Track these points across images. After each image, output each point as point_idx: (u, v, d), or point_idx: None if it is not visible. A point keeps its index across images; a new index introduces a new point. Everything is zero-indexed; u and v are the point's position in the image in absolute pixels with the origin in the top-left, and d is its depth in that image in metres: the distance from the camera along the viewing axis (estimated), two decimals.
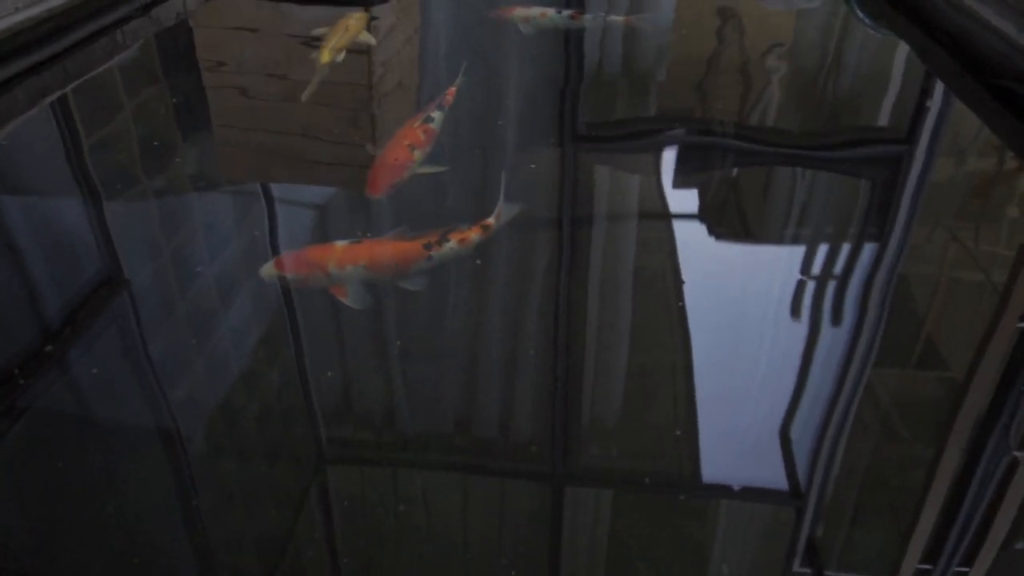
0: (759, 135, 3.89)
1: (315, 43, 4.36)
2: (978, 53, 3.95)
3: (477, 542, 1.94)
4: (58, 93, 3.86)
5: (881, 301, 2.70)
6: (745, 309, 2.65)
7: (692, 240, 3.02)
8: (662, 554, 1.88)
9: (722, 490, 2.04)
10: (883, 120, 4.11)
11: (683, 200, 3.29)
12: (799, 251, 3.03)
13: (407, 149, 3.26)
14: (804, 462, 2.12)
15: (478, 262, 2.78)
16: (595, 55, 4.79)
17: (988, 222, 3.23)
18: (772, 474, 2.10)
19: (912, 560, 1.89)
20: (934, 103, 3.98)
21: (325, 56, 4.17)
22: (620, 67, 4.72)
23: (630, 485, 2.07)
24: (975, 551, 1.92)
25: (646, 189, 3.45)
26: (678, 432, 2.18)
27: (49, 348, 2.42)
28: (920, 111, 3.98)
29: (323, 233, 3.11)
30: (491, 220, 2.83)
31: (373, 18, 4.84)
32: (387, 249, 2.75)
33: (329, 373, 2.41)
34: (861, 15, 5.21)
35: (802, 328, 2.59)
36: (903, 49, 4.67)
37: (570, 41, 4.84)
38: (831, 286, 2.78)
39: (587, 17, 5.00)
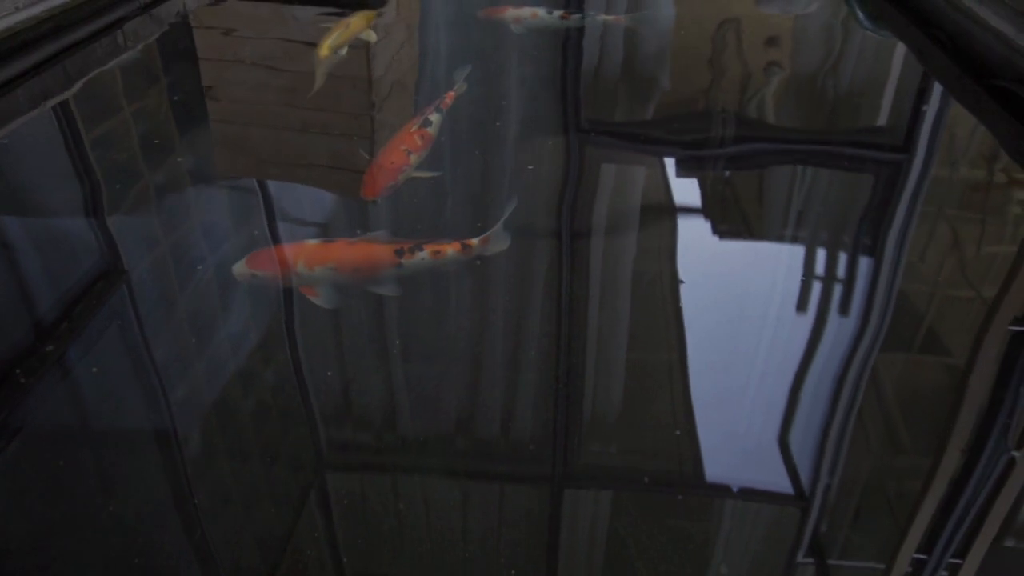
0: (758, 134, 3.89)
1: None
2: (977, 54, 3.96)
3: (476, 543, 1.94)
4: (58, 93, 3.86)
5: (880, 301, 2.70)
6: (745, 308, 2.66)
7: (692, 240, 3.02)
8: (662, 555, 1.88)
9: (722, 490, 2.05)
10: (881, 121, 4.11)
11: (683, 200, 3.30)
12: (799, 250, 3.04)
13: (403, 153, 3.26)
14: (803, 461, 2.13)
15: (478, 262, 2.79)
16: (593, 55, 4.79)
17: (987, 222, 3.24)
18: (771, 473, 2.10)
19: (908, 551, 1.90)
20: (932, 104, 3.99)
21: (323, 51, 4.23)
22: (618, 69, 4.72)
23: (630, 486, 2.08)
24: (969, 544, 1.93)
25: (646, 189, 3.46)
26: (678, 432, 2.19)
27: (49, 347, 2.43)
28: (918, 112, 3.98)
29: (318, 233, 3.11)
30: (474, 241, 2.76)
31: (377, 16, 4.87)
32: (357, 252, 2.73)
33: (328, 373, 2.41)
34: (861, 16, 5.22)
35: (802, 327, 2.59)
36: (902, 50, 4.67)
37: (569, 41, 4.85)
38: (831, 286, 2.79)
39: (576, 16, 5.02)
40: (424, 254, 2.68)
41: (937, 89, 4.16)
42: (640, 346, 2.51)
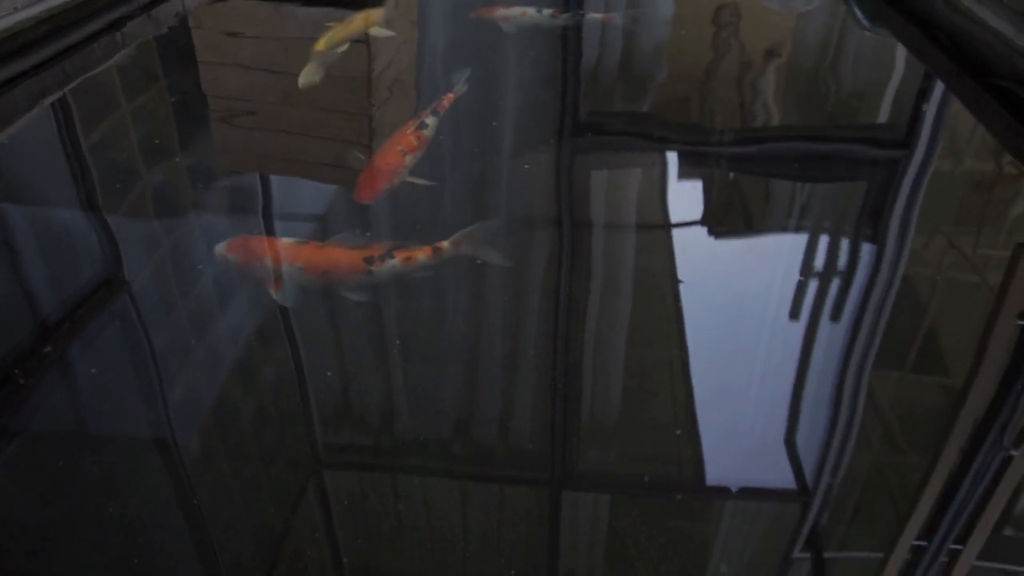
0: (756, 134, 3.89)
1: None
2: (976, 53, 3.96)
3: (475, 544, 1.94)
4: (57, 93, 3.86)
5: (880, 301, 2.70)
6: (744, 309, 2.66)
7: (691, 240, 3.02)
8: (662, 555, 1.88)
9: (722, 489, 2.05)
10: (881, 120, 4.11)
11: (682, 201, 3.30)
12: (798, 251, 3.04)
13: (399, 154, 3.26)
14: (804, 459, 2.13)
15: (478, 262, 2.79)
16: (591, 55, 4.79)
17: (986, 222, 3.24)
18: (771, 471, 2.10)
19: (906, 541, 1.91)
20: (932, 103, 3.99)
21: (320, 45, 4.29)
22: (617, 68, 4.72)
23: (630, 486, 2.08)
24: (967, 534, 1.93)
25: (644, 188, 3.46)
26: (678, 432, 2.19)
27: (48, 348, 2.43)
28: (918, 112, 3.98)
29: (313, 230, 3.10)
30: (444, 244, 2.71)
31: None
32: (327, 256, 2.70)
33: (327, 373, 2.42)
34: (859, 16, 5.22)
35: (800, 327, 2.59)
36: (901, 50, 4.67)
37: (568, 39, 4.85)
38: (830, 286, 2.79)
39: (567, 16, 5.02)
40: (395, 261, 2.64)
41: (937, 88, 4.16)
42: (639, 345, 2.51)
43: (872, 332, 2.57)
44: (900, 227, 3.08)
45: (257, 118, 3.94)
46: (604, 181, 3.53)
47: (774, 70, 4.61)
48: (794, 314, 2.64)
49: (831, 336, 2.57)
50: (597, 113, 4.19)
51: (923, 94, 4.15)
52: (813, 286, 2.77)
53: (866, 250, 2.99)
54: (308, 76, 4.05)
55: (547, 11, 4.93)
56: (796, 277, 2.81)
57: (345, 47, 4.41)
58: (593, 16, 5.10)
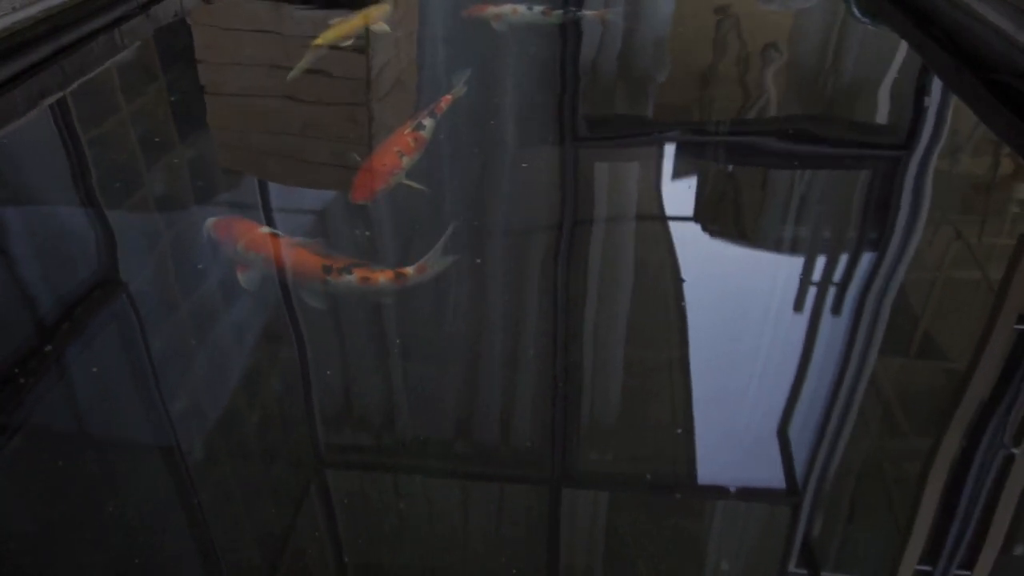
0: (756, 130, 3.89)
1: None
2: (975, 49, 3.96)
3: (475, 542, 1.94)
4: (56, 93, 3.86)
5: (879, 298, 2.70)
6: (743, 307, 2.65)
7: (690, 238, 3.02)
8: (662, 554, 1.88)
9: (722, 489, 2.05)
10: (880, 116, 4.11)
11: (680, 198, 3.29)
12: (798, 249, 3.04)
13: (396, 155, 3.25)
14: (802, 461, 2.13)
15: (478, 261, 2.79)
16: (590, 52, 4.79)
17: (987, 217, 3.24)
18: (770, 473, 2.10)
19: (911, 561, 1.90)
20: (931, 99, 3.99)
21: (319, 40, 4.34)
22: (616, 66, 4.72)
23: (629, 485, 2.08)
24: (975, 552, 1.92)
25: (643, 186, 3.46)
26: (678, 431, 2.19)
27: (48, 347, 2.43)
28: (918, 107, 3.98)
29: (306, 230, 3.11)
30: (408, 270, 2.63)
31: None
32: (291, 254, 2.72)
33: (327, 372, 2.41)
34: (858, 12, 5.22)
35: (800, 325, 2.59)
36: (901, 46, 4.67)
37: (567, 36, 4.85)
38: (829, 283, 2.78)
39: (558, 13, 5.02)
40: (352, 278, 2.60)
41: (936, 84, 4.16)
42: (639, 344, 2.51)
43: (872, 329, 2.56)
44: (900, 223, 3.08)
45: (257, 117, 3.94)
46: (603, 177, 3.53)
47: (772, 67, 4.61)
48: (795, 311, 2.64)
49: (831, 333, 2.56)
50: (595, 108, 4.18)
51: (922, 90, 4.14)
52: (812, 284, 2.76)
53: (866, 247, 2.99)
54: (297, 69, 4.13)
55: (538, 9, 4.91)
56: (796, 274, 2.81)
57: (349, 42, 4.42)
58: (585, 14, 5.09)
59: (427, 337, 2.55)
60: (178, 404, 2.28)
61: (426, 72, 4.64)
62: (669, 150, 3.74)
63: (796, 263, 2.91)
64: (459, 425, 2.26)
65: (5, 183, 3.30)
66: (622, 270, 2.89)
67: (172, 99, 4.08)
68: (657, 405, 2.31)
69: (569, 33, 4.89)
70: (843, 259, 2.91)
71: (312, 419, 2.27)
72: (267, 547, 1.91)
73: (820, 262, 2.89)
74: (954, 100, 3.97)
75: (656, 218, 3.21)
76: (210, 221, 2.87)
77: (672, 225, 3.11)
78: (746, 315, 2.61)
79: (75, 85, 3.96)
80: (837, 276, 2.82)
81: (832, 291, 2.74)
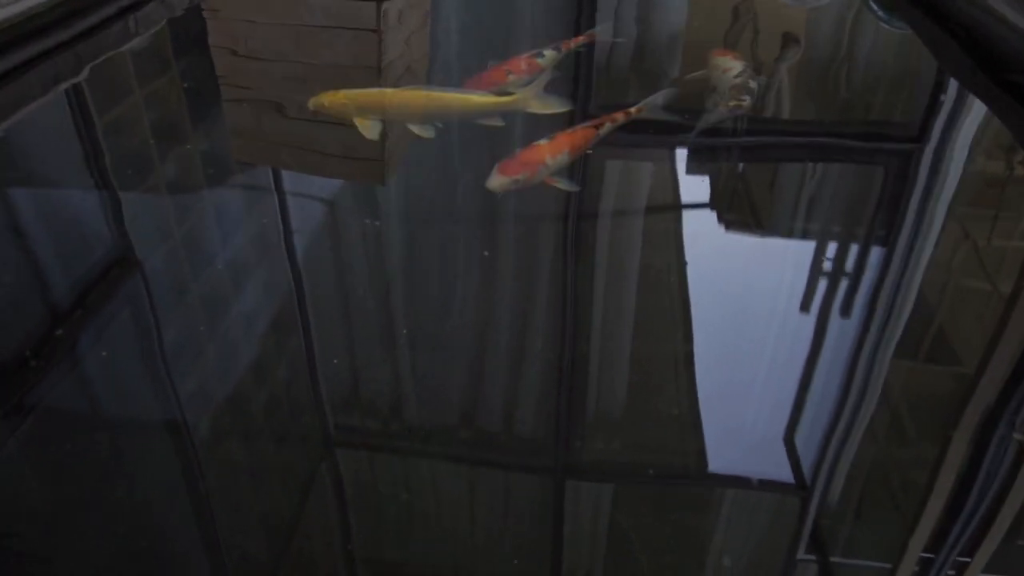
0: (770, 127, 3.87)
1: None
2: (992, 48, 3.92)
3: (478, 531, 1.95)
4: (71, 78, 3.87)
5: (891, 294, 2.69)
6: (752, 302, 2.65)
7: (700, 232, 3.01)
8: (666, 546, 1.88)
9: (727, 482, 2.05)
10: (895, 114, 4.09)
11: (692, 191, 3.29)
12: (809, 245, 3.03)
13: (504, 73, 3.26)
14: (809, 453, 2.12)
15: (485, 253, 2.79)
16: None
17: (1001, 216, 3.22)
18: (776, 466, 2.10)
19: (915, 549, 1.90)
20: (947, 98, 3.96)
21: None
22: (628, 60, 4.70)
23: (634, 476, 2.08)
24: (978, 541, 1.92)
25: (656, 178, 3.45)
26: (684, 425, 2.19)
27: (60, 331, 2.44)
28: (933, 105, 3.95)
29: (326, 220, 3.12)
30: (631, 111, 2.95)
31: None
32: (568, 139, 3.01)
33: (334, 361, 2.42)
34: (875, 8, 5.18)
35: (809, 320, 2.58)
36: (916, 43, 4.64)
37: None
38: (840, 280, 2.78)
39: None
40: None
41: (951, 82, 4.13)
42: (646, 338, 2.50)
43: (883, 325, 2.55)
44: (912, 221, 3.06)
45: (271, 105, 3.95)
46: (614, 169, 3.52)
47: (788, 64, 4.58)
48: (804, 307, 2.63)
49: (840, 328, 2.56)
50: (608, 99, 4.16)
51: (938, 88, 4.11)
52: (823, 279, 2.75)
53: (878, 245, 2.98)
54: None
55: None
56: (806, 269, 2.80)
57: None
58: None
59: (433, 326, 2.56)
60: (188, 386, 2.29)
61: (439, 58, 4.63)
62: (682, 142, 3.73)
63: (806, 258, 2.90)
64: (464, 415, 2.27)
65: (18, 165, 3.32)
66: (630, 262, 2.88)
67: (185, 85, 4.09)
68: (664, 396, 2.30)
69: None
70: (853, 256, 2.90)
71: (320, 404, 2.28)
72: (272, 534, 1.93)
73: (830, 258, 2.88)
74: (970, 99, 3.94)
75: (669, 209, 3.21)
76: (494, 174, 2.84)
77: (683, 216, 3.11)
78: (758, 310, 2.60)
79: (89, 70, 3.97)
80: (848, 272, 2.81)
81: (842, 287, 2.73)
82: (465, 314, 2.61)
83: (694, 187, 3.31)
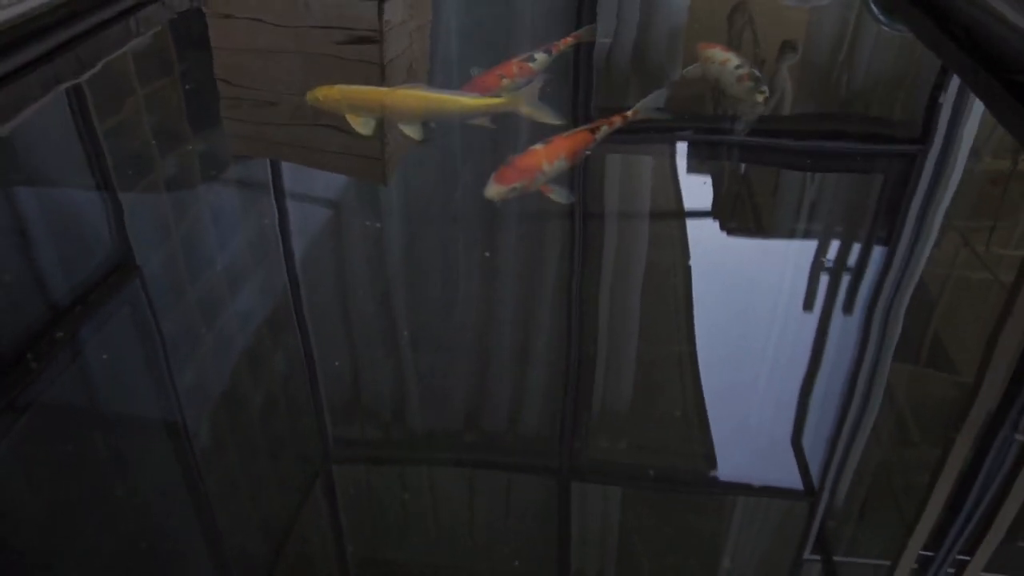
0: (771, 128, 3.87)
1: None
2: (994, 48, 3.92)
3: (482, 533, 1.94)
4: (71, 80, 3.87)
5: (893, 296, 2.69)
6: (756, 303, 2.65)
7: (704, 234, 3.01)
8: (670, 548, 1.88)
9: (731, 485, 2.04)
10: (896, 116, 4.08)
11: (695, 193, 3.28)
12: (813, 246, 3.02)
13: (497, 79, 3.29)
14: (815, 456, 2.12)
15: (487, 254, 2.78)
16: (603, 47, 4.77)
17: (1004, 216, 3.22)
18: (780, 468, 2.09)
19: (915, 547, 1.89)
20: (948, 99, 3.95)
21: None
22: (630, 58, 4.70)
23: (640, 478, 2.07)
24: (978, 540, 1.92)
25: (658, 179, 3.45)
26: (688, 426, 2.18)
27: (60, 333, 2.44)
28: (934, 107, 3.95)
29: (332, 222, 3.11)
30: (627, 114, 3.03)
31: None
32: (565, 143, 2.99)
33: (336, 362, 2.42)
34: (875, 10, 5.18)
35: (813, 322, 2.58)
36: (917, 45, 4.63)
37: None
38: (844, 281, 2.77)
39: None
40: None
41: (953, 83, 4.13)
42: (650, 338, 2.50)
43: (885, 326, 2.55)
44: (914, 223, 3.06)
45: (271, 106, 3.94)
46: (618, 168, 3.51)
47: (788, 65, 4.58)
48: (808, 308, 2.63)
49: (843, 330, 2.55)
50: (609, 101, 4.16)
51: (939, 89, 4.11)
52: (827, 281, 2.75)
53: (879, 247, 2.97)
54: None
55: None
56: (809, 271, 2.79)
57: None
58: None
59: (437, 327, 2.55)
60: (186, 380, 2.29)
61: (440, 57, 4.62)
62: (685, 143, 3.72)
63: (808, 260, 2.89)
64: (468, 416, 2.26)
65: (20, 165, 3.32)
66: (635, 264, 2.88)
67: (187, 87, 4.08)
68: (669, 398, 2.30)
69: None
70: (855, 258, 2.90)
71: (320, 412, 2.27)
72: (270, 535, 1.92)
73: (833, 260, 2.87)
74: (972, 100, 3.93)
75: (671, 212, 3.20)
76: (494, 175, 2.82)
77: (685, 220, 3.11)
78: (763, 312, 2.60)
79: (90, 71, 3.96)
80: (851, 273, 2.81)
81: (845, 288, 2.73)
82: (468, 315, 2.60)
83: (697, 188, 3.31)
